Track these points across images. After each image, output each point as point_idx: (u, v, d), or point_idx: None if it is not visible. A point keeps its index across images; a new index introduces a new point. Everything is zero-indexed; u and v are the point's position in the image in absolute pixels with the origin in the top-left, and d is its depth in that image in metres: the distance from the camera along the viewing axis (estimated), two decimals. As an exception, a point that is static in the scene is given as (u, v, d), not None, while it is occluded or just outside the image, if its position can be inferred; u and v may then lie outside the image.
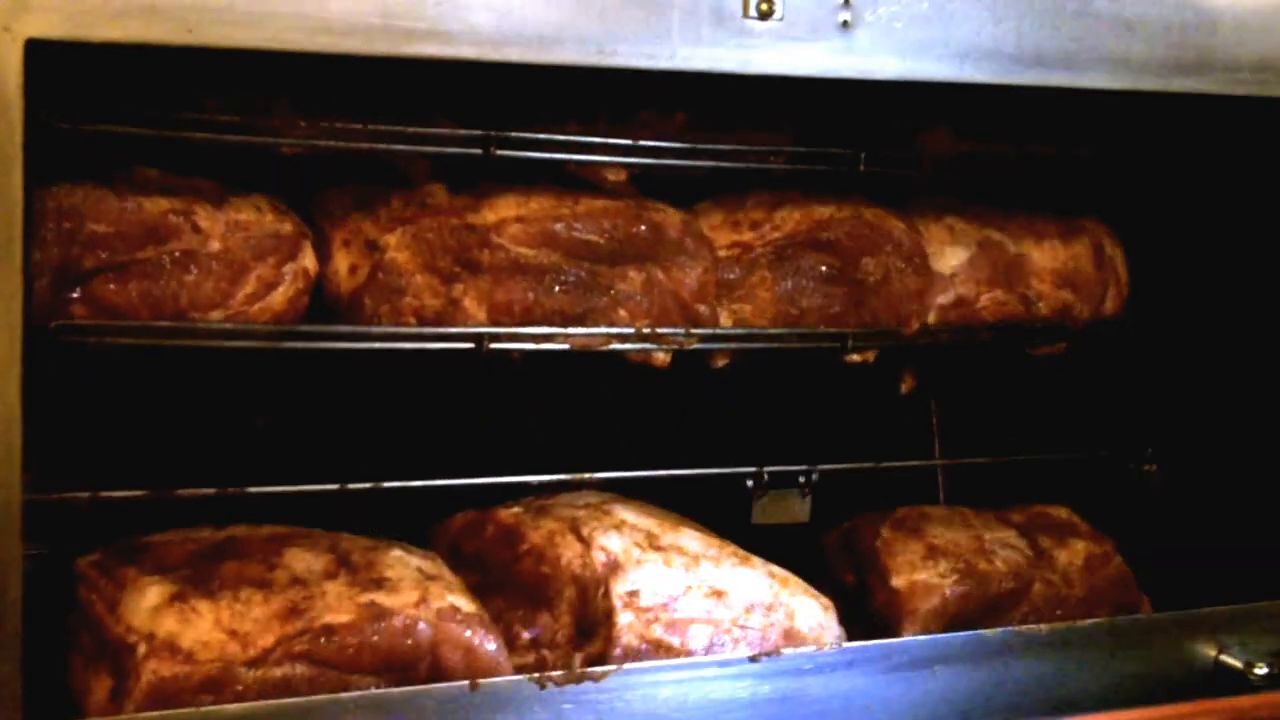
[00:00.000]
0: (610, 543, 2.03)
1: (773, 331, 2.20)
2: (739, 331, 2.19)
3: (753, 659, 1.87)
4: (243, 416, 2.27)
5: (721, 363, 2.21)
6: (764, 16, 1.79)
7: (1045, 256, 2.38)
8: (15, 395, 1.54)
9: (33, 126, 1.53)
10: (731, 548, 2.13)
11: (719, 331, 2.17)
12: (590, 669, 1.80)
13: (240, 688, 1.80)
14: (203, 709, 1.69)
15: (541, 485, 2.19)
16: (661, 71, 1.75)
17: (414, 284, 2.00)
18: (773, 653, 1.90)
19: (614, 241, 2.10)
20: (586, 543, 2.03)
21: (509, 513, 2.11)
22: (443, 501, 2.18)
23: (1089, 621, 2.14)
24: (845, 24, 1.82)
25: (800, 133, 2.24)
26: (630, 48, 1.73)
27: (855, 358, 2.25)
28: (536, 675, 1.77)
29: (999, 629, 2.03)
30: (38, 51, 1.52)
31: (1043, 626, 2.06)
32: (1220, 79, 2.02)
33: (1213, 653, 2.14)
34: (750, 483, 2.30)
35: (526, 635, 2.00)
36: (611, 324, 2.08)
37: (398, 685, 1.84)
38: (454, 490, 2.17)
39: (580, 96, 2.08)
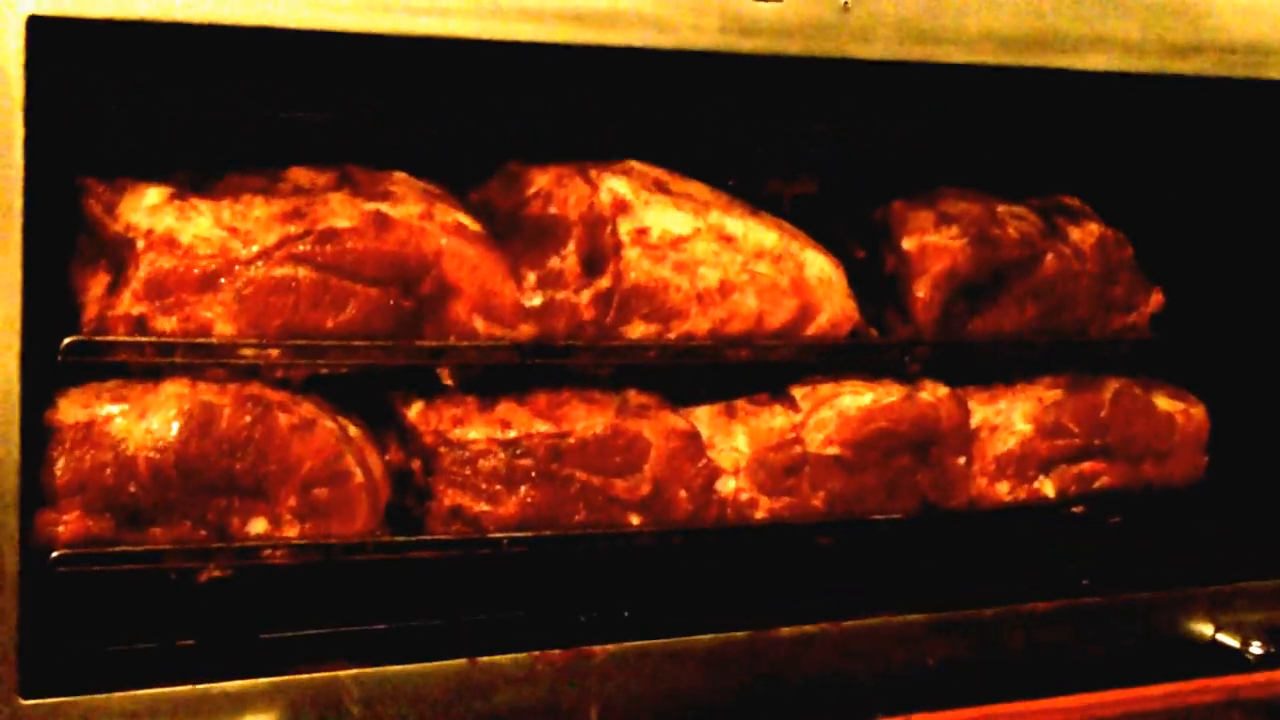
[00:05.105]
0: (618, 185, 1.99)
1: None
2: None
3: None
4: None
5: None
6: None
7: None
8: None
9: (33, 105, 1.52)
10: (742, 201, 2.09)
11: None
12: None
13: (239, 284, 1.77)
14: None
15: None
16: None
17: None
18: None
19: None
20: (594, 184, 1.98)
21: (516, 161, 2.07)
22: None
23: (1086, 599, 2.14)
24: (845, 6, 1.82)
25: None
26: None
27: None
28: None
29: (995, 608, 2.06)
30: (39, 28, 1.51)
31: (1039, 605, 2.08)
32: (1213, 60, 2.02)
33: (1209, 630, 2.16)
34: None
35: (534, 276, 1.96)
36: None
37: (400, 298, 1.82)
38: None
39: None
